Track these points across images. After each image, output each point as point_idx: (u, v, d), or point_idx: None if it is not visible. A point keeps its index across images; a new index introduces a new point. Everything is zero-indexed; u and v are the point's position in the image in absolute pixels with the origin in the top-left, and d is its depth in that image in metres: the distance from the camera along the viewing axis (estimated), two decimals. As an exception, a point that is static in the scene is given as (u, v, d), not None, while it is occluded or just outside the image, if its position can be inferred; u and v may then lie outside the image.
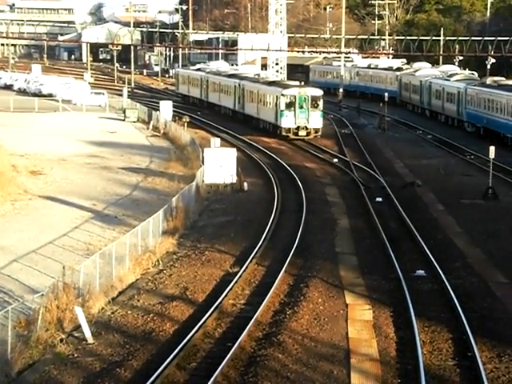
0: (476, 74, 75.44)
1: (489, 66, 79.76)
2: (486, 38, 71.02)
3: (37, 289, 23.50)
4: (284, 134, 56.47)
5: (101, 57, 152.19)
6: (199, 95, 79.44)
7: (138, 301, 23.69)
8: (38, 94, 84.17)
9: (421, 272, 25.87)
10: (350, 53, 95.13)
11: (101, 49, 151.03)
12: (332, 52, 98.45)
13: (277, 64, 77.24)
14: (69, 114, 72.89)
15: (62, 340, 20.42)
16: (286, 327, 21.03)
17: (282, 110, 56.06)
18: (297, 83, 62.73)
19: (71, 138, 57.66)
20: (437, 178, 43.83)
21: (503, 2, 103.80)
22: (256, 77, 69.94)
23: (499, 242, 29.71)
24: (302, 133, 56.16)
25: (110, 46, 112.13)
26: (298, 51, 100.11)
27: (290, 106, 55.99)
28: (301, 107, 55.94)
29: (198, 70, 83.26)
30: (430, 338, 20.32)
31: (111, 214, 35.56)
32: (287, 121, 56.07)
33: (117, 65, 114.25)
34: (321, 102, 56.81)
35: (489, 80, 63.12)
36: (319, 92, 57.78)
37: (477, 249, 29.01)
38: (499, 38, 67.72)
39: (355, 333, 20.72)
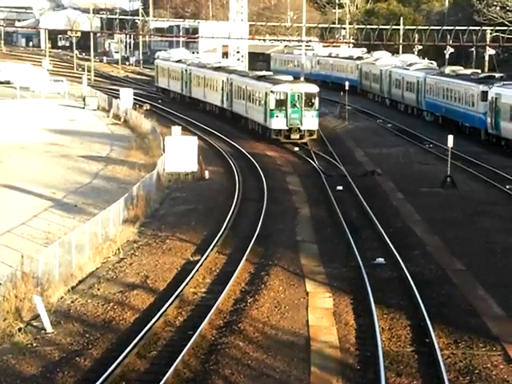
0: (435, 63, 76.00)
1: (447, 56, 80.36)
2: (444, 28, 71.80)
3: (-5, 278, 23.25)
4: (274, 136, 49.74)
5: (59, 44, 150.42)
6: (180, 90, 72.48)
7: (98, 289, 23.58)
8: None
9: (380, 260, 26.07)
10: (310, 41, 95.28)
11: (59, 35, 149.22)
12: (293, 40, 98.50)
13: (238, 52, 77.21)
14: (27, 101, 72.04)
15: (20, 329, 20.28)
16: (247, 315, 21.09)
17: (271, 110, 49.17)
18: (289, 78, 54.28)
19: (30, 126, 57.03)
20: (396, 166, 44.17)
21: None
22: (244, 70, 64.15)
23: (457, 230, 30.05)
24: (295, 136, 49.41)
25: (69, 33, 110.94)
26: (259, 39, 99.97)
27: (280, 104, 49.18)
28: (293, 106, 49.05)
29: (180, 61, 75.45)
30: (389, 324, 20.52)
31: (71, 203, 35.29)
32: (277, 122, 49.22)
33: (76, 52, 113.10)
34: (316, 100, 49.86)
35: (447, 69, 63.69)
36: (314, 88, 50.78)
37: (435, 237, 29.32)
38: (457, 28, 68.52)
39: (315, 320, 20.85)
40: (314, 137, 49.97)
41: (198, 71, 67.73)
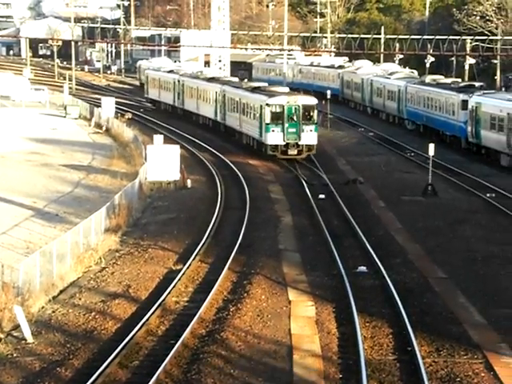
0: (416, 72, 76.50)
1: (428, 65, 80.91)
2: (425, 37, 72.15)
3: (-25, 288, 23.07)
4: (270, 152, 46.60)
5: (40, 52, 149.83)
6: (172, 101, 69.14)
7: (80, 299, 23.47)
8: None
9: (363, 268, 26.11)
10: (292, 50, 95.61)
11: (40, 44, 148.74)
12: (275, 49, 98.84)
13: (220, 61, 77.28)
14: (8, 110, 71.71)
15: (0, 340, 20.13)
16: (230, 324, 21.06)
17: (267, 124, 45.86)
18: (285, 90, 51.86)
19: (11, 135, 56.77)
20: (378, 175, 44.31)
21: (441, 1, 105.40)
22: (238, 81, 61.23)
23: (438, 238, 30.17)
24: (292, 151, 46.10)
25: (50, 42, 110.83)
26: (241, 48, 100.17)
27: (276, 118, 46.05)
28: (290, 120, 45.83)
29: (171, 71, 72.76)
30: (371, 333, 20.55)
31: (52, 212, 35.13)
32: (274, 137, 45.89)
33: (57, 61, 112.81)
34: (315, 113, 46.91)
35: (428, 78, 64.04)
36: (313, 100, 47.88)
37: (417, 245, 29.41)
38: (438, 37, 68.89)
39: (298, 329, 20.84)
40: (313, 152, 46.75)
41: (191, 82, 64.71)
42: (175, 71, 71.90)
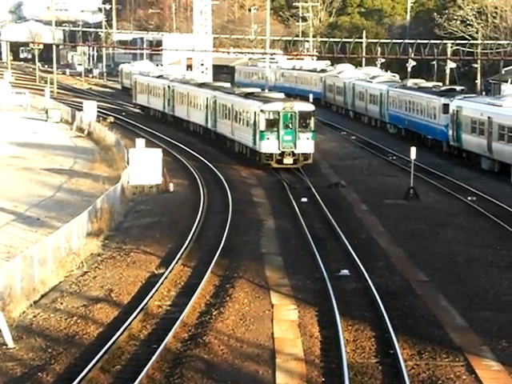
0: (397, 76, 76.86)
1: (409, 69, 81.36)
2: (406, 41, 72.54)
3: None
4: (264, 161, 44.42)
5: (21, 56, 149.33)
6: (162, 107, 66.89)
7: (62, 303, 23.37)
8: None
9: (345, 271, 26.17)
10: (274, 54, 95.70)
11: (21, 48, 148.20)
12: (257, 53, 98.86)
13: (202, 65, 77.25)
14: (-11, 113, 71.35)
15: (-18, 345, 20.01)
16: (212, 328, 21.04)
17: (261, 131, 43.64)
18: (281, 96, 49.43)
19: (-8, 139, 56.47)
20: (360, 178, 44.44)
21: (422, 6, 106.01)
22: (230, 87, 58.81)
23: (420, 241, 30.29)
24: (288, 160, 43.82)
25: (31, 45, 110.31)
26: (224, 52, 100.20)
27: (271, 125, 43.80)
28: (286, 127, 43.63)
29: (161, 76, 70.72)
30: (353, 336, 20.59)
31: (33, 216, 34.97)
32: (268, 145, 43.69)
33: (38, 64, 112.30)
34: (312, 120, 44.56)
35: (410, 82, 64.40)
36: (309, 107, 45.60)
37: (399, 248, 29.51)
38: (419, 41, 69.28)
39: (280, 333, 20.85)
40: (310, 161, 44.65)
41: (181, 88, 62.40)
42: (165, 76, 69.93)
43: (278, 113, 43.83)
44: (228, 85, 60.25)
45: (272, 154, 44.06)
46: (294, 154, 43.92)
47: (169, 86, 64.95)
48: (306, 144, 43.86)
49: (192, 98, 58.57)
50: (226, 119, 50.62)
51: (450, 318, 21.97)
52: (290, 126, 43.57)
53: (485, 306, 22.87)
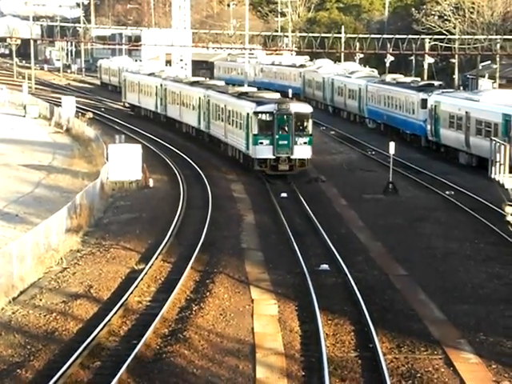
0: (376, 71, 77.06)
1: (388, 64, 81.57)
2: (384, 36, 72.73)
3: None
4: (257, 167, 40.65)
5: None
6: (154, 107, 63.36)
7: (41, 300, 23.28)
8: None
9: (325, 266, 26.23)
10: (253, 49, 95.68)
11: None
12: (236, 48, 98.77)
13: (181, 60, 77.09)
14: (-34, 109, 70.86)
15: (-40, 342, 19.89)
16: (192, 323, 21.03)
17: (255, 135, 39.86)
18: (276, 96, 44.80)
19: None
20: (340, 173, 44.54)
21: (400, 1, 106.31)
22: (224, 85, 54.44)
23: (399, 236, 30.42)
24: (284, 167, 40.05)
25: (9, 40, 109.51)
26: (203, 47, 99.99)
27: (265, 128, 40.03)
28: (281, 130, 39.92)
29: (152, 74, 66.53)
30: (333, 330, 20.66)
31: (12, 212, 34.78)
32: (262, 150, 39.85)
33: (16, 60, 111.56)
34: (309, 123, 40.61)
35: (388, 77, 64.59)
36: (307, 108, 41.45)
37: (378, 242, 29.62)
38: (397, 37, 69.49)
39: (261, 327, 20.88)
40: (307, 168, 41.22)
41: (174, 86, 58.60)
42: (157, 74, 65.87)
43: (273, 115, 39.93)
44: (222, 83, 56.73)
45: (266, 160, 40.17)
46: (290, 160, 40.06)
47: (161, 85, 61.46)
48: (303, 149, 39.93)
49: (184, 98, 55.17)
50: (219, 121, 46.94)
51: (429, 312, 22.09)
52: (286, 129, 39.95)
53: (463, 299, 23.02)
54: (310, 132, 40.49)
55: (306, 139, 40.05)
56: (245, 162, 42.68)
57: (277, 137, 39.64)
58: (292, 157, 39.88)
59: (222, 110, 46.05)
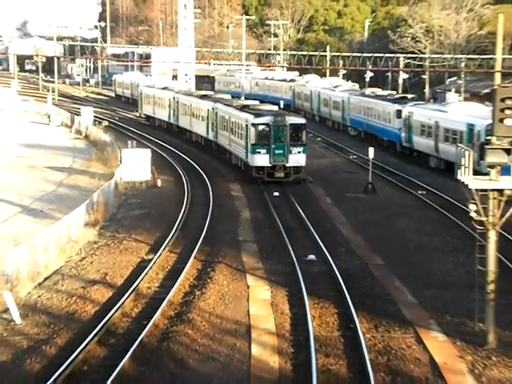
0: (357, 85, 77.10)
1: (367, 79, 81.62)
2: (364, 55, 72.82)
3: (-31, 276, 22.74)
4: (255, 174, 39.40)
5: (27, 67, 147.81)
6: (167, 118, 62.33)
7: (62, 285, 23.24)
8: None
9: (312, 257, 26.21)
10: (249, 65, 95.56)
11: (27, 60, 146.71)
12: (234, 64, 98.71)
13: (186, 75, 77.02)
14: (-2, 118, 70.67)
15: (-8, 322, 19.87)
16: (195, 306, 21.02)
17: (252, 144, 38.81)
18: (273, 108, 44.00)
19: (0, 141, 55.93)
20: (325, 175, 44.47)
21: (378, 24, 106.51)
22: (230, 99, 53.51)
23: (377, 230, 30.42)
24: (279, 174, 39.02)
25: (35, 58, 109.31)
26: (205, 63, 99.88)
27: (262, 138, 38.88)
28: (277, 140, 38.70)
29: (166, 88, 65.69)
30: (319, 313, 20.65)
31: (37, 208, 34.71)
32: (259, 158, 38.76)
33: (41, 75, 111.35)
34: (303, 133, 39.42)
35: (367, 91, 64.67)
36: (301, 120, 40.44)
37: (359, 236, 29.61)
38: (375, 55, 69.60)
39: (255, 310, 20.87)
40: (301, 175, 39.85)
41: (185, 99, 57.49)
42: (170, 88, 65.09)
43: (269, 126, 38.86)
44: (229, 97, 55.89)
45: (263, 168, 39.03)
46: (285, 168, 39.01)
47: (174, 98, 60.53)
48: (297, 158, 38.92)
49: (194, 110, 54.17)
50: (224, 131, 45.81)
51: (403, 296, 22.10)
52: (282, 139, 38.71)
53: (432, 285, 23.04)
54: (304, 142, 39.40)
55: (301, 148, 38.97)
56: (245, 169, 41.55)
57: (273, 146, 38.68)
58: (287, 165, 38.89)
59: (227, 121, 45.14)
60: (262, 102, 63.80)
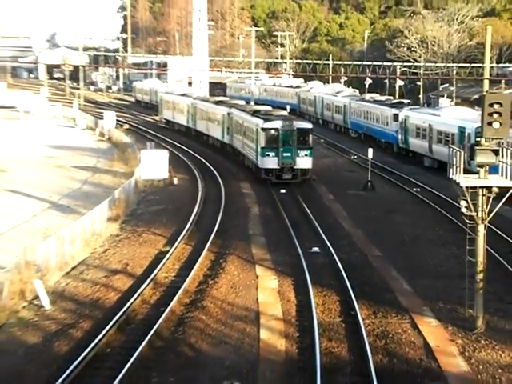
0: (357, 91, 76.87)
1: (367, 85, 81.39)
2: (364, 63, 72.54)
3: (3, 265, 22.85)
4: (264, 176, 38.42)
5: (55, 76, 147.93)
6: (186, 122, 61.54)
7: (87, 274, 23.33)
8: (3, 106, 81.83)
9: (316, 249, 26.19)
10: (258, 73, 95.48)
11: (55, 69, 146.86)
12: (244, 72, 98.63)
13: (200, 82, 77.03)
14: (29, 122, 70.91)
15: (24, 307, 20.01)
16: (209, 294, 21.05)
17: (262, 148, 38.06)
18: (283, 113, 43.16)
19: (30, 143, 56.16)
20: (328, 173, 44.39)
21: (376, 35, 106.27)
22: (244, 104, 52.45)
23: (376, 224, 30.37)
24: (287, 175, 38.14)
25: (63, 67, 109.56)
26: (217, 71, 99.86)
27: (272, 142, 37.98)
28: (285, 144, 37.83)
29: (184, 94, 64.62)
30: (322, 300, 20.65)
31: (64, 204, 34.83)
32: (268, 161, 38.01)
33: (68, 82, 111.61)
34: (310, 138, 38.35)
35: (367, 96, 64.52)
36: (308, 125, 39.49)
37: (359, 230, 29.57)
38: (374, 63, 69.33)
39: (264, 298, 20.88)
40: (308, 177, 38.85)
41: (202, 105, 56.57)
42: (188, 94, 63.74)
43: (278, 130, 37.92)
44: (243, 102, 54.79)
45: (272, 170, 38.14)
46: (292, 170, 38.16)
47: (191, 103, 59.59)
48: (304, 160, 38.05)
49: (211, 115, 53.12)
50: (238, 134, 44.88)
51: (399, 285, 22.08)
52: (290, 143, 37.81)
53: (426, 275, 23.00)
54: (311, 145, 38.48)
55: (307, 152, 38.11)
56: (256, 171, 40.66)
57: (281, 149, 37.86)
58: (295, 167, 38.06)
59: (240, 125, 44.25)
60: (270, 106, 63.26)
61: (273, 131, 38.05)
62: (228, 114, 48.19)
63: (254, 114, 42.65)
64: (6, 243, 27.04)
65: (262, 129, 38.04)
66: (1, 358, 16.95)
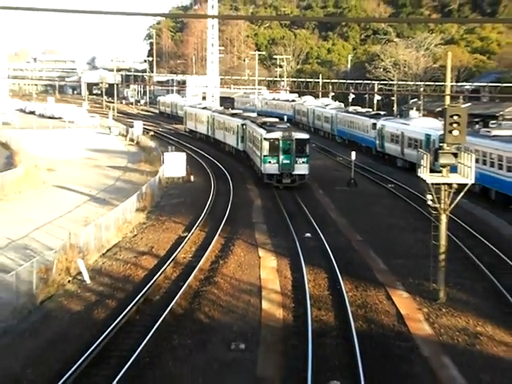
0: (343, 104, 76.67)
1: (350, 99, 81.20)
2: (348, 81, 72.42)
3: (52, 247, 22.93)
4: (267, 180, 36.84)
5: (94, 92, 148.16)
6: (206, 131, 60.55)
7: (120, 255, 23.38)
8: (52, 117, 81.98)
9: (308, 234, 26.16)
10: (260, 89, 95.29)
11: (94, 86, 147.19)
12: (249, 88, 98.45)
13: (212, 96, 76.97)
14: (72, 130, 70.98)
15: (69, 281, 20.10)
16: (220, 272, 21.07)
17: (264, 155, 36.64)
18: (284, 125, 41.09)
19: (74, 147, 56.21)
20: (319, 172, 44.22)
21: (358, 58, 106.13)
22: (255, 116, 50.57)
23: (358, 214, 30.32)
24: (286, 180, 36.56)
25: (101, 85, 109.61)
26: (227, 87, 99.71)
27: (273, 150, 36.46)
28: (285, 152, 36.38)
29: (205, 108, 63.63)
30: (313, 277, 20.66)
31: (101, 197, 34.89)
32: (270, 167, 36.64)
33: (105, 97, 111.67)
34: (307, 147, 36.86)
35: (351, 108, 64.28)
36: (305, 136, 37.66)
37: (344, 219, 29.53)
38: (356, 82, 69.17)
39: (265, 275, 20.89)
40: (305, 181, 37.15)
41: (220, 117, 55.54)
42: (208, 108, 62.82)
43: (279, 140, 36.36)
44: (255, 114, 52.99)
45: (273, 175, 36.69)
46: (291, 175, 36.65)
47: (211, 115, 58.70)
48: (302, 167, 36.57)
49: (227, 125, 51.85)
50: (250, 143, 43.63)
51: (376, 265, 22.07)
52: (289, 151, 36.33)
53: (399, 256, 22.98)
54: (308, 153, 36.85)
55: (305, 159, 36.56)
56: (261, 176, 38.84)
57: (282, 157, 36.34)
58: (293, 173, 36.55)
59: (251, 134, 43.11)
60: (270, 117, 62.48)
61: (274, 141, 36.72)
62: (242, 124, 47.27)
63: (262, 125, 41.36)
64: (55, 229, 27.13)
65: (265, 138, 36.84)
66: (51, 322, 17.06)
